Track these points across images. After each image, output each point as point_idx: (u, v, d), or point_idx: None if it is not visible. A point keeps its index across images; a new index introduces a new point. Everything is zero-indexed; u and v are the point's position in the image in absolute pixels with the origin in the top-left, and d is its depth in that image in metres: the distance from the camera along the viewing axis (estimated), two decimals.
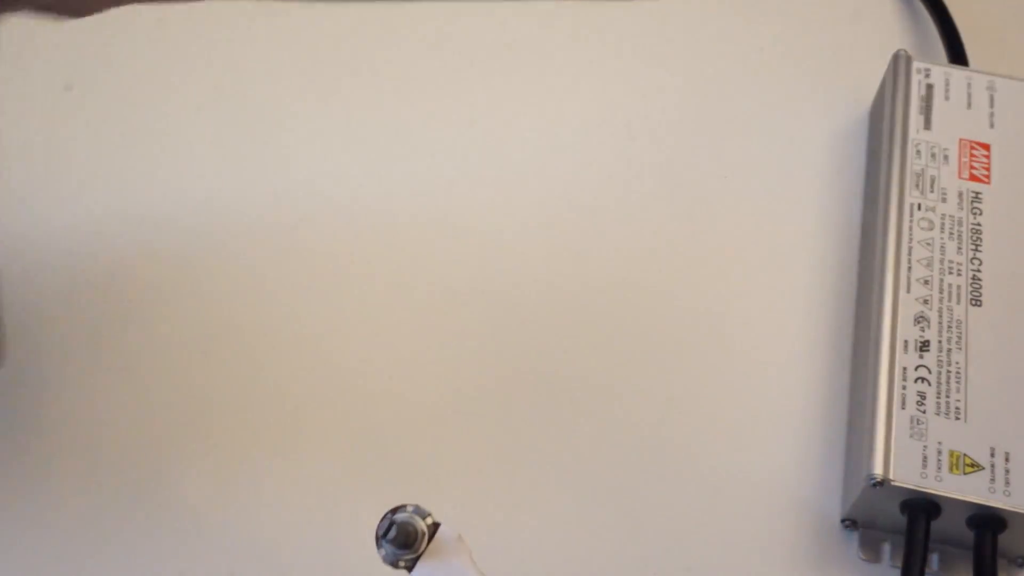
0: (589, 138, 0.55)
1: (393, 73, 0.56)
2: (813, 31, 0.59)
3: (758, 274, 0.51)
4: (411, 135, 0.54)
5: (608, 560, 0.44)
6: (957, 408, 0.43)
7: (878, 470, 0.41)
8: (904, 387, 0.43)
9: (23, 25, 0.55)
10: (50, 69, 0.55)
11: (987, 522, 0.41)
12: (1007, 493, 0.41)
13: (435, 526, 0.32)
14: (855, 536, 0.44)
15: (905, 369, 0.44)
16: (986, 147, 0.50)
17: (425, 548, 0.32)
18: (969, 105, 0.51)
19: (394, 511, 0.32)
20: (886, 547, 0.44)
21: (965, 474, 0.42)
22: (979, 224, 0.47)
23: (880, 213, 0.48)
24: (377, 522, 0.33)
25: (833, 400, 0.47)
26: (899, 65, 0.52)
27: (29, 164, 0.52)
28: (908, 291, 0.46)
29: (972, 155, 0.49)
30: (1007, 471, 0.42)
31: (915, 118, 0.50)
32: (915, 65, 0.52)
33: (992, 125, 0.50)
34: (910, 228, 0.47)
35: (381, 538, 0.32)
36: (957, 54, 0.55)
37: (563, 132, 0.55)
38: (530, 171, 0.53)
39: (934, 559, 0.43)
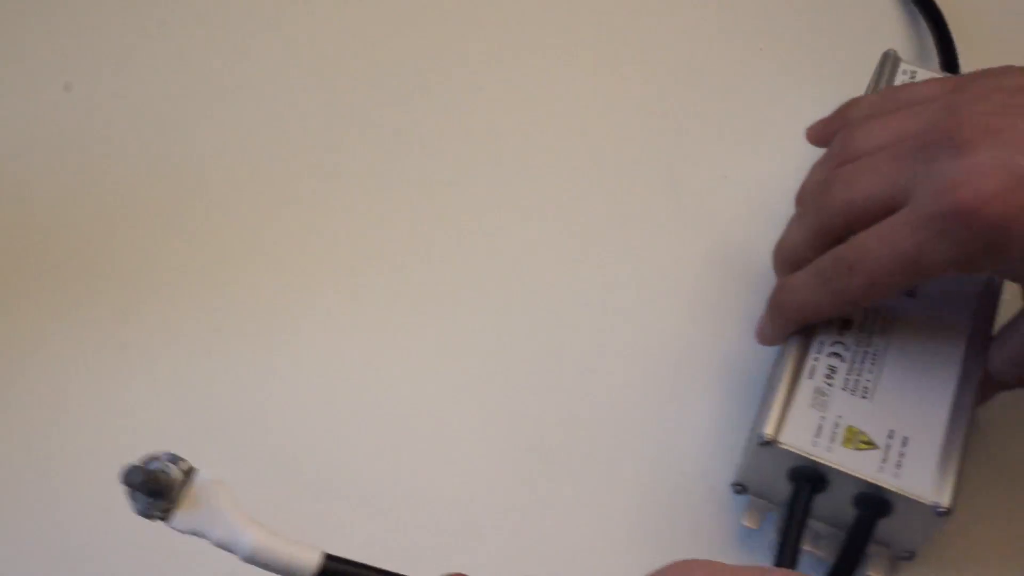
0: (586, 141, 0.55)
1: None
2: (815, 34, 0.59)
3: (744, 268, 0.51)
4: None
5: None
6: (865, 388, 0.42)
7: (768, 430, 0.41)
8: (816, 359, 0.43)
9: (23, 25, 0.56)
10: (50, 69, 0.55)
11: (872, 503, 0.40)
12: (896, 475, 0.40)
13: (190, 472, 0.31)
14: (746, 503, 0.43)
15: (822, 343, 0.43)
16: None
17: (181, 496, 0.31)
18: None
19: (145, 461, 0.31)
20: (771, 517, 0.43)
21: (858, 449, 0.41)
22: None
23: None
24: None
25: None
26: (886, 64, 0.52)
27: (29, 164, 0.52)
28: None
29: None
30: (901, 454, 0.41)
31: None
32: (902, 66, 0.51)
33: None
34: None
35: (129, 487, 0.30)
36: (951, 64, 0.54)
37: (555, 128, 0.55)
38: (526, 155, 0.54)
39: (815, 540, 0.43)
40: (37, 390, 0.45)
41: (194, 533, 0.30)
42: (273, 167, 0.52)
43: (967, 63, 0.54)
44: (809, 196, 0.44)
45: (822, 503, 0.41)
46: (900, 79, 0.51)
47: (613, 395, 0.46)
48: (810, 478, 0.41)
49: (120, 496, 0.30)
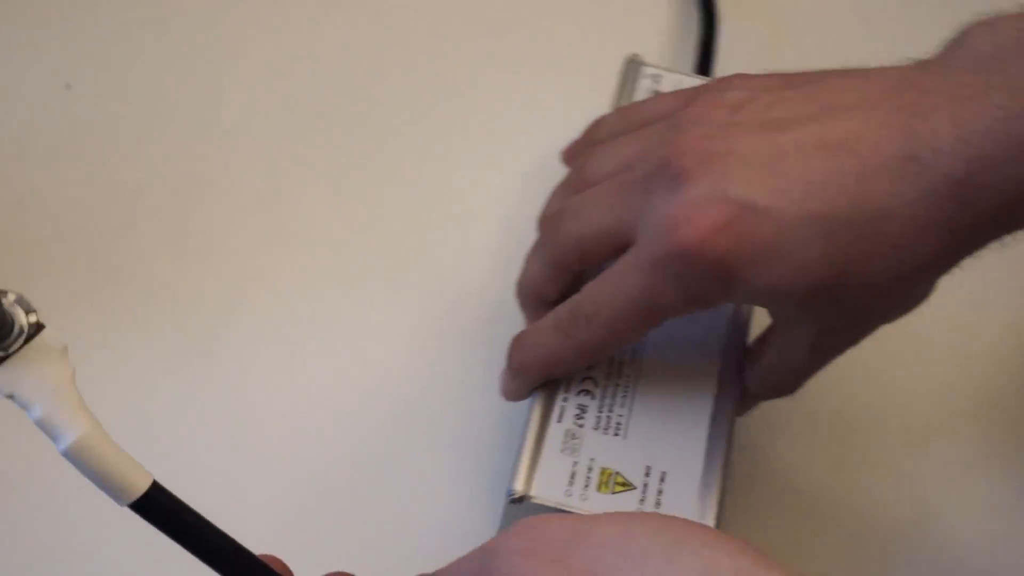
0: None
1: None
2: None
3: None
4: None
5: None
6: (618, 424, 0.40)
7: (518, 486, 0.38)
8: (565, 399, 0.40)
9: (23, 25, 0.55)
10: (50, 69, 0.54)
11: None
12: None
13: (38, 327, 0.26)
14: None
15: (570, 381, 0.41)
16: None
17: (17, 349, 0.25)
18: None
19: None
20: None
21: (614, 493, 0.38)
22: None
23: None
24: None
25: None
26: (629, 69, 0.50)
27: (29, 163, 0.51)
28: None
29: None
30: (660, 492, 0.38)
31: None
32: (645, 69, 0.49)
33: None
34: None
35: None
36: (704, 65, 0.53)
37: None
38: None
39: None
40: None
41: (12, 397, 0.25)
42: (272, 166, 0.52)
43: (726, 66, 0.52)
44: (544, 226, 0.42)
45: None
46: (644, 84, 0.49)
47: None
48: None
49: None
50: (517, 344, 0.41)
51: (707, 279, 0.35)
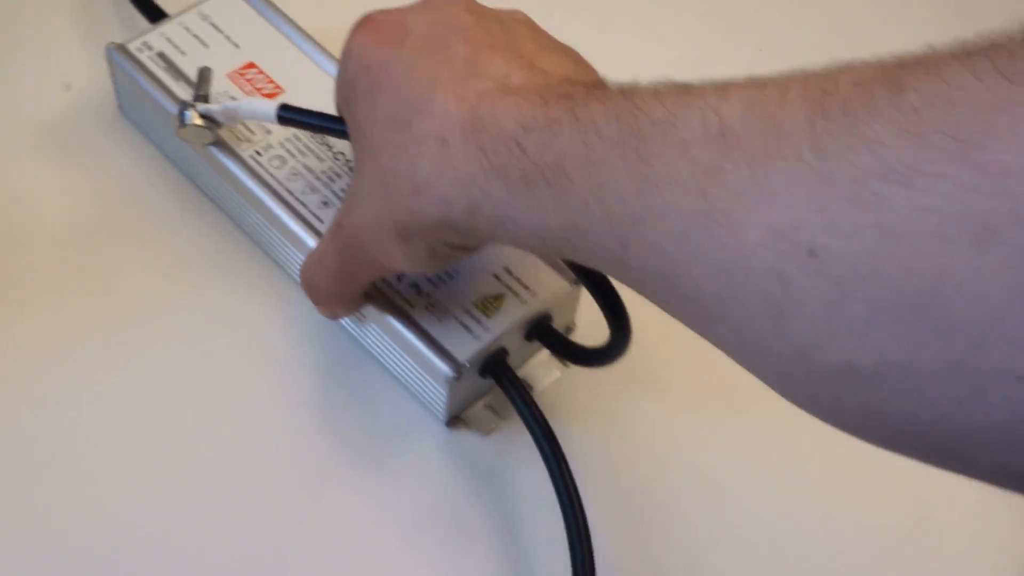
0: None
1: None
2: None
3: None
4: None
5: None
6: (448, 272, 0.45)
7: (448, 367, 0.43)
8: (397, 292, 0.44)
9: (23, 25, 0.56)
10: (50, 69, 0.54)
11: (536, 326, 0.45)
12: (535, 295, 0.44)
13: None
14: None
15: (387, 280, 0.45)
16: (252, 65, 0.50)
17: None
18: (206, 45, 0.50)
19: None
20: (490, 413, 0.46)
21: (499, 310, 0.44)
22: None
23: (238, 192, 0.47)
24: None
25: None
26: (119, 57, 0.50)
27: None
28: (321, 222, 0.46)
29: (249, 80, 0.49)
30: (519, 279, 0.45)
31: (181, 90, 0.49)
32: (132, 46, 0.50)
33: (237, 45, 0.50)
34: (272, 176, 0.47)
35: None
36: (153, 13, 0.54)
37: None
38: None
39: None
40: None
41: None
42: None
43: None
44: None
45: (513, 360, 0.45)
46: (145, 57, 0.49)
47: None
48: (496, 360, 0.44)
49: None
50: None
51: None
